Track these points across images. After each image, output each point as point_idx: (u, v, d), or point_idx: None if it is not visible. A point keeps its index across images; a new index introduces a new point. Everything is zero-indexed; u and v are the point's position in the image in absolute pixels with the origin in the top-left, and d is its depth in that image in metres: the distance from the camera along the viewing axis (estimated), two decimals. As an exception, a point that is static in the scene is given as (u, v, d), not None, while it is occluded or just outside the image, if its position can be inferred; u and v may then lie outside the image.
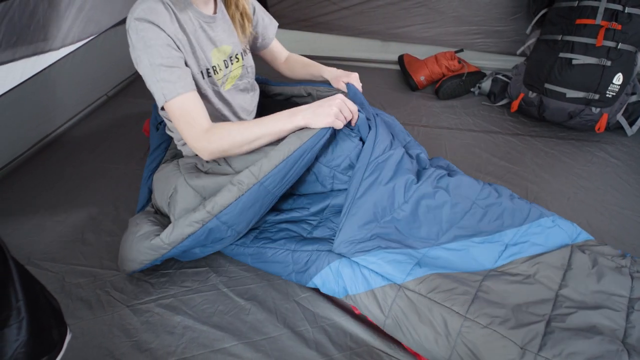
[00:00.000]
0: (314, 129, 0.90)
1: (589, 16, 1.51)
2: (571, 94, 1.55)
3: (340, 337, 0.90)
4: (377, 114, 1.10)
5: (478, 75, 1.89)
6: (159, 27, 0.85)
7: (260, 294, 0.99)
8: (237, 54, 1.07)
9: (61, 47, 1.43)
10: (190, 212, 0.93)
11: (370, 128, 1.02)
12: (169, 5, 0.89)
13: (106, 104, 1.81)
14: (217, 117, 1.06)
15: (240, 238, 1.03)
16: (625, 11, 1.47)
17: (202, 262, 1.07)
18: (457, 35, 2.05)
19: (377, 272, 0.88)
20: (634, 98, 1.59)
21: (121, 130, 1.64)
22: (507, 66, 1.95)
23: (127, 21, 0.86)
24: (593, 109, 1.54)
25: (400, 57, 2.05)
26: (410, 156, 1.12)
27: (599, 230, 1.21)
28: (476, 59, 2.04)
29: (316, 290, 0.99)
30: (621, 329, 0.78)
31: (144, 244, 0.93)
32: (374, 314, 0.87)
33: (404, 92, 1.92)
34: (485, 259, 0.93)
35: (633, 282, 0.88)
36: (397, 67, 2.07)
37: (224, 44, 1.02)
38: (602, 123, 1.56)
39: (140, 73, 0.88)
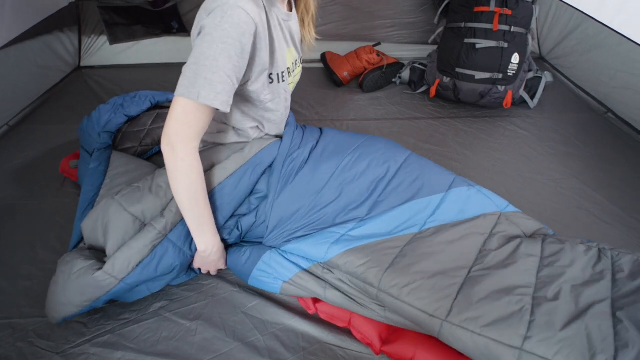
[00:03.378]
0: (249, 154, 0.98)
1: (484, 4, 1.66)
2: (479, 75, 1.68)
3: (292, 339, 0.90)
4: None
5: (397, 66, 1.99)
6: (251, 23, 0.77)
7: (205, 312, 0.95)
8: (296, 60, 1.02)
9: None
10: (132, 239, 0.87)
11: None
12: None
13: (8, 135, 1.62)
14: (265, 120, 1.00)
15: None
16: (513, -3, 1.63)
17: (139, 290, 1.00)
18: (374, 30, 2.14)
19: (301, 256, 0.92)
20: (531, 74, 1.77)
21: (31, 161, 1.48)
22: (422, 55, 2.07)
23: (213, 3, 0.76)
24: (499, 87, 1.69)
25: (323, 55, 2.08)
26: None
27: (517, 197, 1.33)
28: (394, 51, 2.14)
29: (263, 297, 0.98)
30: (532, 285, 0.81)
31: (84, 281, 0.84)
32: (315, 291, 0.92)
33: (329, 88, 1.96)
34: (412, 224, 0.95)
35: (543, 245, 0.91)
36: (321, 65, 2.10)
37: (293, 45, 0.98)
38: (508, 99, 1.71)
39: (194, 46, 0.77)
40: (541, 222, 1.03)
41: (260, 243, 1.01)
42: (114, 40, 2.07)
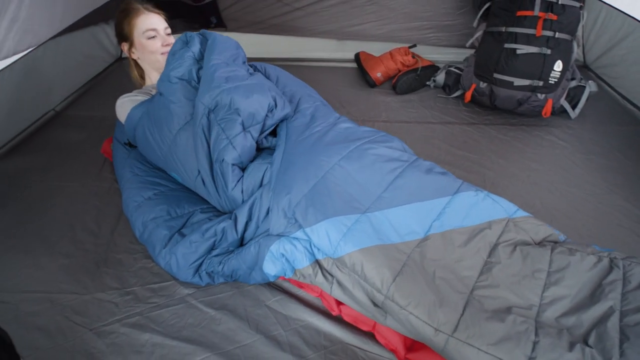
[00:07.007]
0: None
1: (527, 8, 1.60)
2: (518, 82, 1.63)
3: (314, 337, 0.90)
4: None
5: (432, 68, 1.95)
6: None
7: (230, 303, 0.97)
8: None
9: (-5, 61, 1.35)
10: None
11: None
12: None
13: (54, 119, 1.71)
14: None
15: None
16: (559, 2, 1.57)
17: (168, 277, 1.04)
18: (410, 31, 2.11)
19: (314, 245, 0.92)
20: (574, 83, 1.69)
21: (73, 146, 1.55)
22: (458, 59, 2.02)
23: None
24: (539, 95, 1.63)
25: (357, 55, 2.08)
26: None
27: (550, 209, 1.28)
28: (429, 53, 2.10)
29: (287, 293, 0.99)
30: (535, 307, 0.79)
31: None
32: (322, 284, 0.91)
33: (362, 89, 1.95)
34: (417, 229, 0.92)
35: (552, 255, 0.89)
36: (354, 65, 2.09)
37: None
38: (548, 108, 1.65)
39: None
40: (552, 228, 0.99)
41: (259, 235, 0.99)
42: (154, 33, 2.14)
